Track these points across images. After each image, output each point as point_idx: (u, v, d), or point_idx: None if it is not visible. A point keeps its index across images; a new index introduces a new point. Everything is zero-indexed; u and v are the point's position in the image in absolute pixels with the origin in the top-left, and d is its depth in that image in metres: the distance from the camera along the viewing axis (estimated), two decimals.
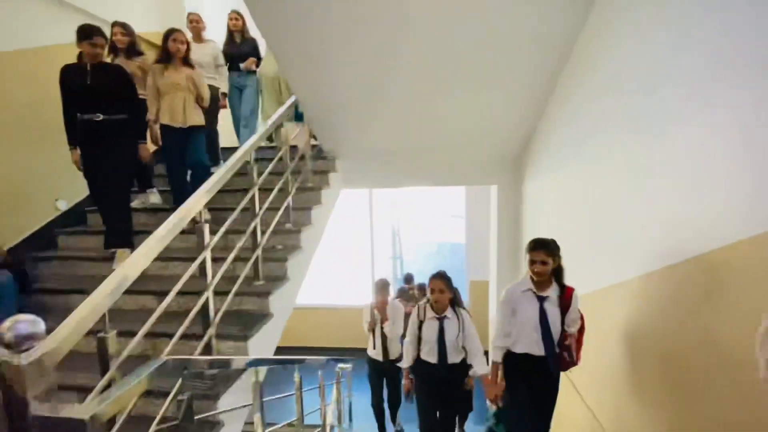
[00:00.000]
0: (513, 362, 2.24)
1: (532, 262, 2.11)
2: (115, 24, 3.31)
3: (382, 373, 3.65)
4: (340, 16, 2.37)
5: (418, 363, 2.61)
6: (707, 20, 1.39)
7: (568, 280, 2.19)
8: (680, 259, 1.57)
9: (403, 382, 2.79)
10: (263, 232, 2.55)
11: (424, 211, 7.34)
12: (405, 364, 2.70)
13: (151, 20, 4.25)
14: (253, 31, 3.98)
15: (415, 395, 2.70)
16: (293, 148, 3.41)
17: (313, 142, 3.73)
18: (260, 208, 2.52)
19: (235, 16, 4.15)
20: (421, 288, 5.15)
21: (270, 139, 3.71)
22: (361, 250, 6.81)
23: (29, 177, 3.02)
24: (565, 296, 2.14)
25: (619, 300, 2.10)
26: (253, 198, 2.47)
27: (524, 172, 3.91)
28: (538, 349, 2.13)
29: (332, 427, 3.86)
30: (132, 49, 3.33)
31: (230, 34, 4.20)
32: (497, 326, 2.29)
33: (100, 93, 2.67)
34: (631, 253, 1.96)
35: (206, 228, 1.92)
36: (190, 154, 3.17)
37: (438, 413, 2.67)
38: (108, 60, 3.09)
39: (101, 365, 1.38)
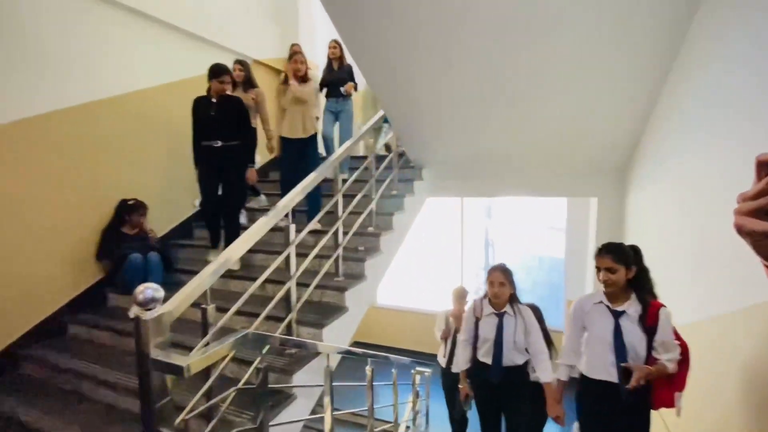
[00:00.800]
0: (585, 388, 1.96)
1: (597, 269, 1.88)
2: (235, 62, 3.90)
3: (450, 383, 3.61)
4: (431, 26, 2.34)
5: (475, 365, 2.45)
6: None
7: (674, 304, 1.86)
8: None
9: (459, 386, 2.66)
10: (345, 234, 2.82)
11: (522, 221, 6.99)
12: (460, 366, 2.55)
13: (272, 49, 4.94)
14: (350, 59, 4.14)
15: (474, 402, 2.57)
16: (379, 157, 3.65)
17: (401, 149, 3.92)
18: (343, 212, 2.79)
19: (334, 44, 4.36)
20: None
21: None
22: (452, 258, 6.81)
23: (175, 182, 3.79)
24: (649, 313, 1.81)
25: (735, 330, 1.74)
26: (336, 202, 2.75)
27: (628, 184, 3.52)
28: (614, 374, 1.82)
29: (407, 428, 3.96)
30: (248, 83, 3.91)
31: (329, 61, 4.42)
32: (565, 342, 2.08)
33: (221, 122, 3.03)
34: (747, 277, 1.62)
35: (292, 227, 2.23)
36: (306, 168, 3.62)
37: (503, 425, 2.52)
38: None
39: (202, 331, 1.74)
